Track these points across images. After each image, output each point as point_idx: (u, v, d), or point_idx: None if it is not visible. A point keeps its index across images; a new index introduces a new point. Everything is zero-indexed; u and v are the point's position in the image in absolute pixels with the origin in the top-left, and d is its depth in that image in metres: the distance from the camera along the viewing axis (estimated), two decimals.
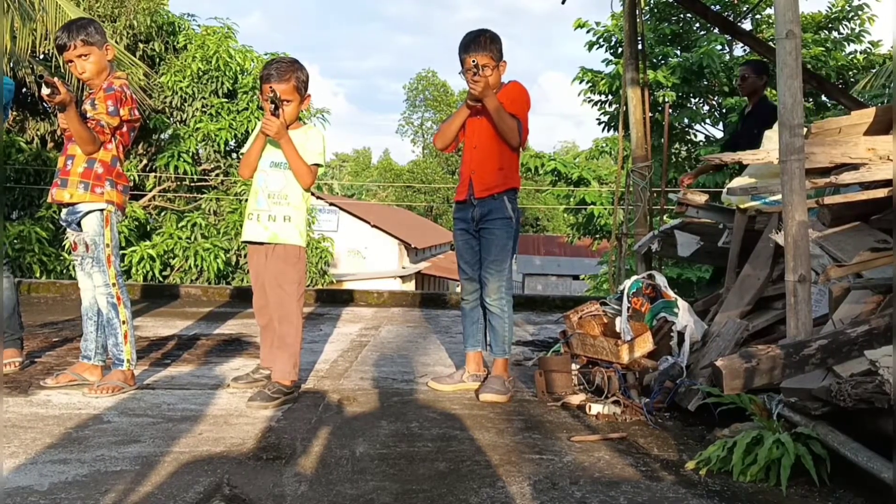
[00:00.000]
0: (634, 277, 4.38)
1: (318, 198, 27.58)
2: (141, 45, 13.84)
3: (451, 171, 56.46)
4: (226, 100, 13.98)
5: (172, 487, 2.44)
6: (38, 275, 11.10)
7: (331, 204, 29.44)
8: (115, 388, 3.57)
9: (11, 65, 11.02)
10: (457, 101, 50.77)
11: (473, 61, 3.63)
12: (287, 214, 3.65)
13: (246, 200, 3.93)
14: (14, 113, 13.04)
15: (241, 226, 3.60)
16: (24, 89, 12.04)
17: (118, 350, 3.66)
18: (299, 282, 3.68)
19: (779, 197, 3.62)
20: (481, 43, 3.73)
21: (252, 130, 3.88)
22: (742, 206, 4.64)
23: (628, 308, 4.18)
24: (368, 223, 30.44)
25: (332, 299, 7.60)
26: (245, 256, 12.41)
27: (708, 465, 2.70)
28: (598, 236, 17.42)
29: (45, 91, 3.34)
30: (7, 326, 4.08)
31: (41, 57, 11.89)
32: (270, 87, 3.56)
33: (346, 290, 8.04)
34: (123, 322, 3.66)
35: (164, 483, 2.48)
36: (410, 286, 29.00)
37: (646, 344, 3.90)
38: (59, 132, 10.30)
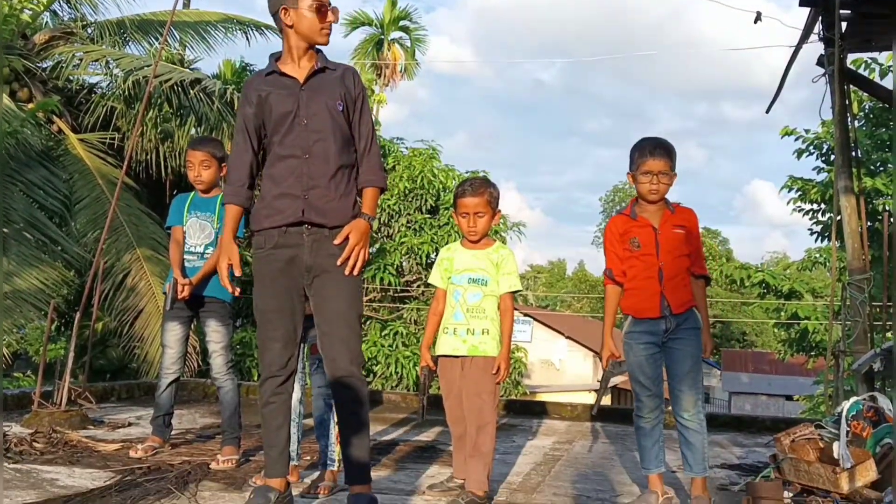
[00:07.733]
0: (854, 399, 4.04)
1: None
2: None
3: None
4: (429, 215, 14.78)
5: None
6: (255, 378, 12.02)
7: (525, 314, 29.59)
8: (326, 489, 3.73)
9: None
10: None
11: None
12: (485, 327, 3.78)
13: None
14: None
15: None
16: None
17: (331, 451, 3.82)
18: (496, 391, 3.75)
19: None
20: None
21: (449, 242, 4.06)
22: None
23: (847, 432, 3.83)
24: (563, 334, 30.19)
25: (525, 410, 7.55)
26: None
27: None
28: (813, 353, 16.16)
29: None
30: (227, 426, 4.45)
31: None
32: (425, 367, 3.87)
33: (539, 402, 7.98)
34: (336, 423, 3.84)
35: None
36: (606, 400, 28.10)
37: (868, 472, 3.54)
38: None
